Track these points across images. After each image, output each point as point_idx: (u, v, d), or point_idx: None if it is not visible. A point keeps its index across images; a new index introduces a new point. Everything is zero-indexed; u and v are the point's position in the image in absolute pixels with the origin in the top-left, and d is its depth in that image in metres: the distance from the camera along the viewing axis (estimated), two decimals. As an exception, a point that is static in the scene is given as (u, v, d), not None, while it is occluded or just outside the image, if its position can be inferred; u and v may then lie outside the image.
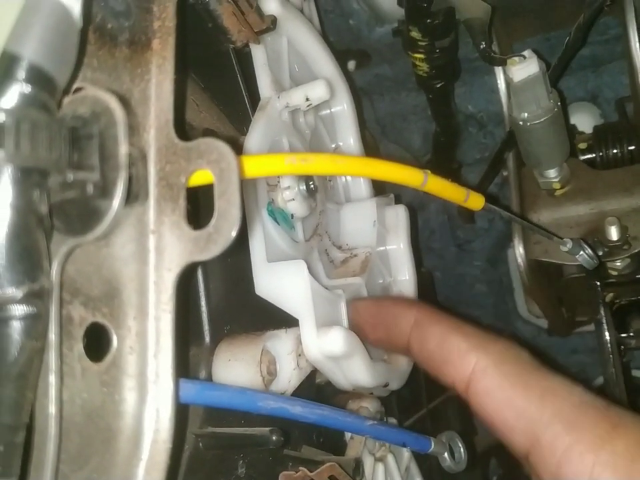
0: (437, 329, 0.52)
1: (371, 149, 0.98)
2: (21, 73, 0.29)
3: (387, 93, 1.19)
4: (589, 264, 0.79)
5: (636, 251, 0.80)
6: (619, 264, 0.82)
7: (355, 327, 0.61)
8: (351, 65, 1.11)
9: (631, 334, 0.96)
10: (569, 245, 0.78)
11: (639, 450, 0.39)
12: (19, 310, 0.30)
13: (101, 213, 0.32)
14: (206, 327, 0.57)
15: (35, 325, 0.30)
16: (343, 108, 0.78)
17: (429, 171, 0.61)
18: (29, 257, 0.30)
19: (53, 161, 0.30)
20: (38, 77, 0.29)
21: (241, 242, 0.60)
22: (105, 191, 0.32)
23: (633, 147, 0.91)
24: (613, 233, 0.80)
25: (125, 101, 0.34)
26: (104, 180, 0.32)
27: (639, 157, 0.90)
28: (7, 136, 0.28)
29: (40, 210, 0.30)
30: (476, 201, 0.68)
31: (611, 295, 0.88)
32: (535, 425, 0.43)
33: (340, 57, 0.80)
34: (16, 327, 0.30)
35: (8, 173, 0.29)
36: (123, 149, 0.32)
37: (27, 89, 0.29)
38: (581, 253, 0.78)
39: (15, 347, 0.29)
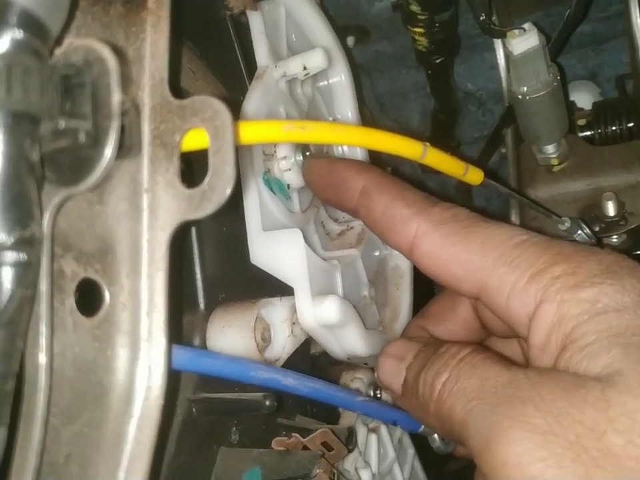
0: (382, 197, 0.54)
1: (369, 125, 0.97)
2: (13, 18, 0.28)
3: (386, 70, 1.18)
4: (587, 243, 0.79)
5: (633, 226, 0.80)
6: (615, 240, 0.82)
7: (307, 184, 0.64)
8: (350, 41, 1.10)
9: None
10: (567, 223, 0.78)
11: (577, 270, 0.41)
12: (9, 256, 0.29)
13: (93, 162, 0.32)
14: (200, 294, 0.57)
15: (26, 272, 0.30)
16: (341, 79, 0.77)
17: (428, 143, 0.61)
18: (19, 204, 0.30)
19: (45, 107, 0.29)
20: (30, 23, 0.29)
21: (236, 209, 0.60)
22: (97, 139, 0.32)
23: (631, 124, 0.90)
24: (610, 209, 0.80)
25: (118, 52, 0.34)
26: (96, 128, 0.32)
27: (638, 134, 0.89)
28: (-2, 80, 0.27)
29: (31, 157, 0.30)
30: (475, 176, 0.68)
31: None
32: (480, 272, 0.45)
33: (339, 32, 0.79)
34: (6, 273, 0.29)
35: (-1, 119, 0.28)
36: (116, 98, 0.32)
37: (19, 34, 0.28)
38: (579, 232, 0.78)
39: (4, 294, 0.29)
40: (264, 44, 0.65)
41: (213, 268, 0.59)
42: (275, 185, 0.65)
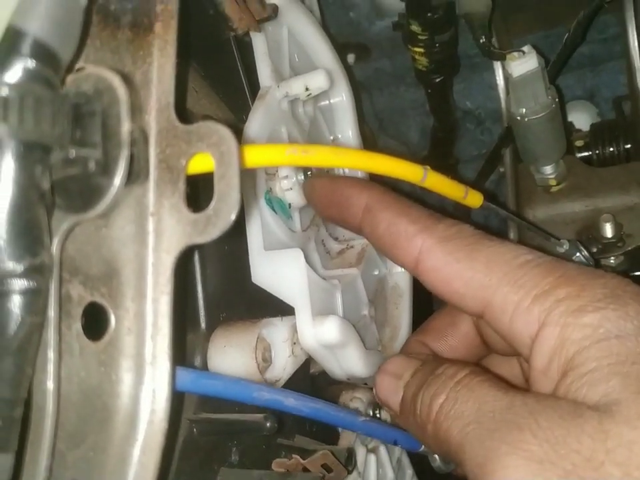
0: (386, 214, 0.54)
1: (369, 142, 0.98)
2: (26, 48, 0.29)
3: (386, 88, 1.19)
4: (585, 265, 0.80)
5: (630, 248, 0.81)
6: (613, 261, 0.83)
7: (310, 203, 0.64)
8: (351, 58, 1.11)
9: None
10: (566, 246, 0.78)
11: (581, 294, 0.40)
12: (19, 284, 0.30)
13: (102, 191, 0.32)
14: (202, 313, 0.58)
15: (35, 300, 0.31)
16: (342, 99, 0.78)
17: (429, 167, 0.61)
18: (30, 232, 0.30)
19: (56, 137, 0.30)
20: (42, 53, 0.29)
21: (238, 229, 0.60)
22: (107, 168, 0.32)
23: (629, 146, 0.91)
24: (608, 230, 0.80)
25: (127, 80, 0.34)
26: (106, 157, 0.32)
27: (635, 156, 0.90)
28: (11, 110, 0.28)
29: (42, 186, 0.31)
30: (474, 199, 0.69)
31: (604, 292, 0.88)
32: (484, 290, 0.45)
33: (340, 50, 0.80)
34: (16, 301, 0.30)
35: (11, 147, 0.29)
36: (126, 127, 0.32)
37: (31, 64, 0.29)
38: (577, 254, 0.79)
39: (14, 321, 0.30)
40: (267, 64, 0.66)
41: (215, 287, 0.59)
42: (277, 204, 0.65)
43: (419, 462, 0.80)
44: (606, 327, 0.39)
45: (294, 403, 0.51)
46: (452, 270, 0.48)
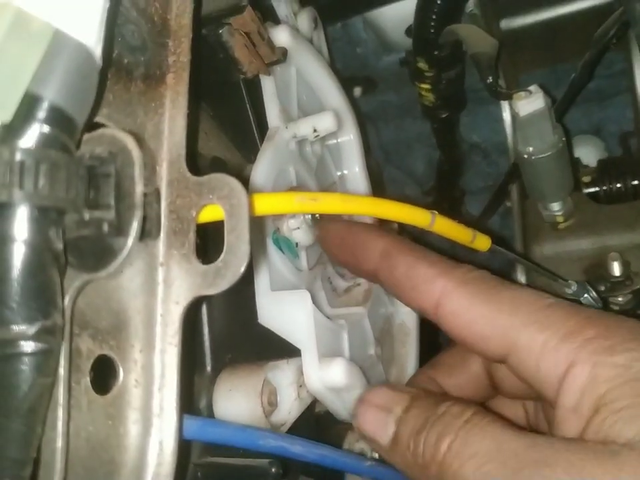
0: (404, 259, 0.54)
1: (375, 175, 0.99)
2: (42, 114, 0.29)
3: (392, 120, 1.20)
4: (593, 307, 0.80)
5: (638, 287, 0.81)
6: (620, 299, 0.82)
7: (323, 246, 0.65)
8: (357, 91, 1.12)
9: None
10: (574, 287, 0.78)
11: (609, 335, 0.41)
12: (30, 346, 0.30)
13: (114, 251, 0.33)
14: (208, 356, 0.58)
15: (46, 361, 0.31)
16: (350, 138, 0.78)
17: (437, 212, 0.61)
18: (43, 293, 0.30)
19: (70, 200, 0.30)
20: (58, 118, 0.30)
21: (246, 270, 0.60)
22: (120, 229, 0.32)
23: (636, 182, 0.91)
24: (615, 269, 0.80)
25: (140, 140, 0.35)
26: (119, 219, 0.32)
27: (643, 193, 0.90)
28: (27, 176, 0.28)
29: (56, 247, 0.31)
30: (482, 242, 0.69)
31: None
32: (508, 331, 0.45)
33: (346, 83, 0.80)
34: (27, 362, 0.30)
35: (26, 211, 0.29)
36: (139, 189, 0.33)
37: (47, 129, 0.29)
38: (585, 295, 0.79)
39: (25, 383, 0.30)
40: (275, 105, 0.66)
41: (221, 328, 0.59)
42: (284, 244, 0.65)
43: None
44: (637, 367, 0.39)
45: (300, 449, 0.51)
46: (474, 312, 0.48)
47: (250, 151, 0.66)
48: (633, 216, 0.85)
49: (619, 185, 0.92)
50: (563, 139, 0.80)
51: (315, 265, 0.71)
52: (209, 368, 0.57)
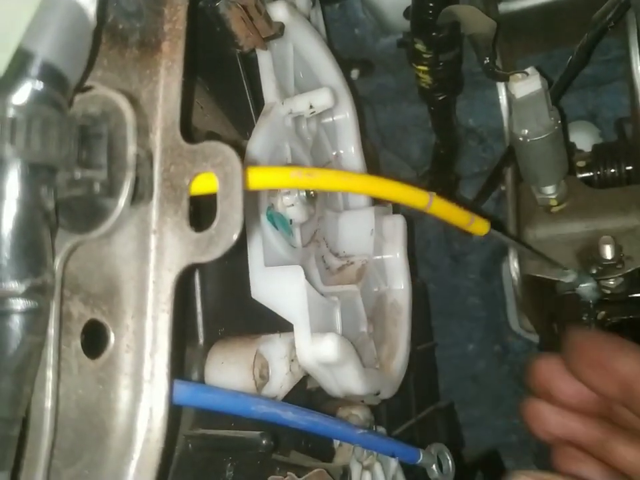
0: None
1: (370, 158, 0.99)
2: (34, 70, 0.29)
3: (389, 103, 1.20)
4: (591, 296, 0.80)
5: (630, 270, 0.81)
6: (612, 283, 0.83)
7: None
8: (354, 73, 1.11)
9: (621, 353, 0.96)
10: (572, 276, 0.78)
11: None
12: (20, 304, 0.30)
13: (106, 212, 0.32)
14: (200, 329, 0.58)
15: (36, 320, 0.31)
16: (346, 117, 0.78)
17: (435, 193, 0.61)
18: (33, 252, 0.30)
19: (62, 158, 0.30)
20: (51, 75, 0.30)
21: (239, 245, 0.60)
22: (112, 190, 0.32)
23: (630, 167, 0.91)
24: (608, 252, 0.80)
25: (134, 101, 0.35)
26: (111, 179, 0.32)
27: (636, 178, 0.90)
28: (18, 132, 0.28)
29: (47, 206, 0.31)
30: (480, 226, 0.68)
31: (602, 313, 0.89)
32: None
33: (343, 65, 0.80)
34: (17, 320, 0.30)
35: (17, 168, 0.29)
36: (131, 150, 0.33)
37: (39, 86, 0.29)
38: (584, 284, 0.79)
39: (14, 341, 0.30)
40: (272, 81, 0.66)
41: (214, 302, 0.60)
42: (278, 220, 0.65)
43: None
44: None
45: (292, 416, 0.51)
46: None
47: (245, 127, 0.66)
48: (626, 200, 0.85)
49: (612, 170, 0.92)
50: (559, 121, 0.79)
51: (309, 243, 0.71)
52: (201, 341, 0.57)
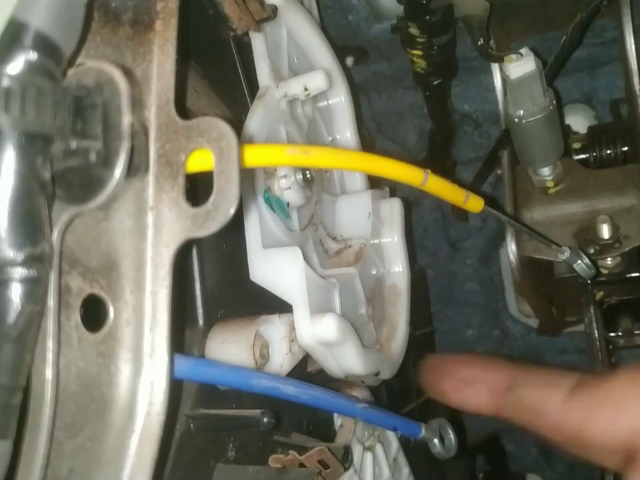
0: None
1: (367, 145, 0.99)
2: (28, 41, 0.29)
3: (384, 91, 1.20)
4: (586, 273, 0.80)
5: (627, 249, 0.81)
6: (609, 262, 0.83)
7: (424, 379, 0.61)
8: (349, 61, 1.11)
9: (620, 333, 0.97)
10: (567, 253, 0.79)
11: None
12: (19, 272, 0.30)
13: (102, 182, 0.33)
14: (200, 310, 0.58)
15: (35, 289, 0.31)
16: (341, 100, 0.78)
17: (430, 171, 0.61)
18: (30, 221, 0.30)
19: (57, 128, 0.30)
20: (44, 45, 0.30)
21: (237, 227, 0.61)
22: (107, 160, 0.32)
23: (626, 148, 0.92)
24: (605, 231, 0.81)
25: (128, 73, 0.35)
26: (106, 149, 0.32)
27: (632, 158, 0.91)
28: (13, 101, 0.28)
29: (43, 176, 0.31)
30: (475, 203, 0.68)
31: (600, 293, 0.89)
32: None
33: (338, 53, 0.80)
34: (16, 289, 0.30)
35: (13, 138, 0.29)
36: (126, 120, 0.33)
37: (33, 56, 0.29)
38: (579, 262, 0.79)
39: (14, 309, 0.30)
40: (266, 64, 0.66)
41: (213, 284, 0.60)
42: (275, 203, 0.65)
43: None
44: None
45: (293, 390, 0.51)
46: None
47: (241, 111, 0.66)
48: (622, 180, 0.85)
49: (608, 151, 0.92)
50: (554, 102, 0.80)
51: (306, 226, 0.71)
52: (201, 322, 0.57)
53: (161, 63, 0.43)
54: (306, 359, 0.66)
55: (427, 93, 1.02)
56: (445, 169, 1.18)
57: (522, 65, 0.77)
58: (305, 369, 0.69)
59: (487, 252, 1.27)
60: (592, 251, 0.82)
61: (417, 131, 1.22)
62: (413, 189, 1.28)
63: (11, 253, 0.29)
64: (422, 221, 1.29)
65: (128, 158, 0.33)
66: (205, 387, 0.55)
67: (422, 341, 1.05)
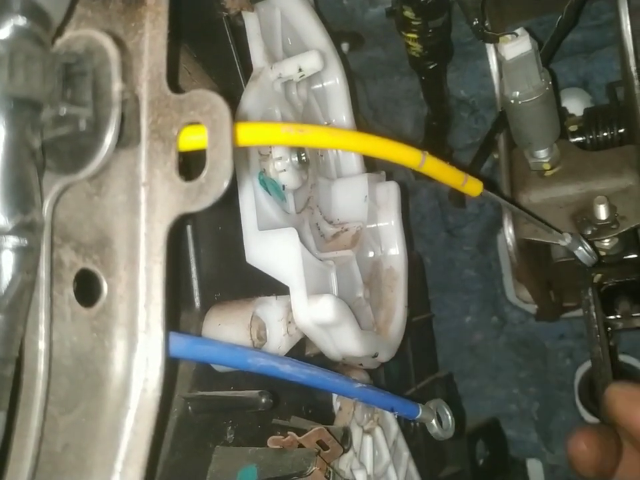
0: None
1: (363, 131, 0.98)
2: (16, 5, 0.29)
3: (380, 77, 1.19)
4: (587, 260, 0.80)
5: (624, 230, 0.81)
6: (607, 243, 0.83)
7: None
8: (344, 47, 1.10)
9: (618, 316, 0.97)
10: (568, 239, 0.78)
11: None
12: (10, 241, 0.29)
13: (93, 150, 0.32)
14: (196, 293, 0.58)
15: (26, 258, 0.30)
16: (336, 82, 0.78)
17: (427, 152, 0.60)
18: (20, 189, 0.30)
19: (46, 94, 0.30)
20: (33, 10, 0.29)
21: (232, 209, 0.60)
22: (98, 127, 0.32)
23: (622, 130, 0.91)
24: (602, 212, 0.80)
25: (119, 42, 0.34)
26: (96, 116, 0.32)
27: (629, 140, 0.90)
28: (1, 66, 0.28)
29: (33, 144, 0.30)
30: (474, 187, 0.67)
31: (598, 275, 0.89)
32: None
33: (333, 39, 0.80)
34: (7, 258, 0.30)
35: (1, 103, 0.29)
36: (116, 87, 0.32)
37: (21, 21, 0.29)
38: (580, 248, 0.79)
39: (5, 278, 0.29)
40: (260, 45, 0.66)
41: (209, 267, 0.59)
42: (271, 185, 0.65)
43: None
44: None
45: (290, 369, 0.51)
46: None
47: (235, 92, 0.66)
48: (619, 161, 0.85)
49: (605, 133, 0.92)
50: (550, 83, 0.79)
51: (302, 210, 0.70)
52: (197, 305, 0.57)
53: (152, 38, 0.42)
54: (304, 342, 0.66)
55: (423, 78, 1.01)
56: (442, 155, 1.17)
57: (517, 45, 0.76)
58: (303, 353, 0.69)
59: (484, 238, 1.27)
60: (589, 232, 0.81)
61: (413, 118, 1.21)
62: (409, 175, 1.27)
63: (1, 222, 0.29)
64: (419, 208, 1.29)
65: (118, 125, 0.32)
66: (202, 370, 0.55)
67: (420, 327, 1.04)
